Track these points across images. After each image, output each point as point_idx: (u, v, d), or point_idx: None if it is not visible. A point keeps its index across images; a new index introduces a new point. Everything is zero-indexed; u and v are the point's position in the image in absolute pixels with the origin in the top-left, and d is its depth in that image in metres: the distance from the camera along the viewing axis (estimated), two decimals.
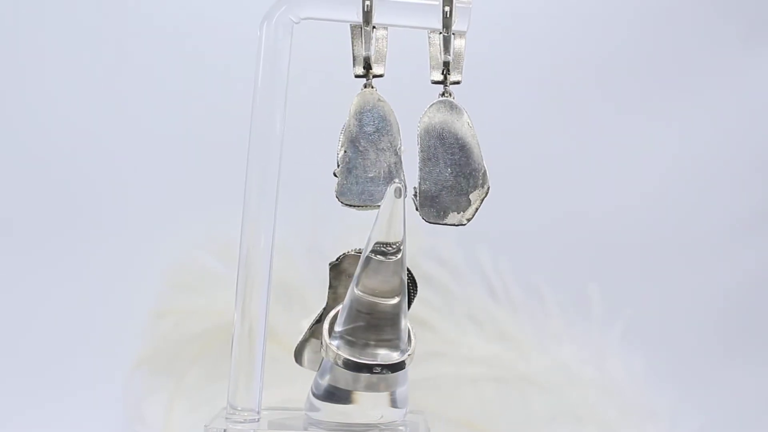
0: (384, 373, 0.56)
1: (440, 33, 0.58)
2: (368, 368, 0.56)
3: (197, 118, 0.95)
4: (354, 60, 0.58)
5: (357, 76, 0.58)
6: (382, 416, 0.58)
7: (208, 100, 0.95)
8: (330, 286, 0.60)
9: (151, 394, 0.91)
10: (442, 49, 0.58)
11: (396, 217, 0.55)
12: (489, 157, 0.59)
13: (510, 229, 0.95)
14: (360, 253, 0.58)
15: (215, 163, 0.95)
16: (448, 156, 0.58)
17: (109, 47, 0.95)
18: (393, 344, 0.57)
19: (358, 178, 0.57)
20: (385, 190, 0.56)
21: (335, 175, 0.57)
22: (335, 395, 0.57)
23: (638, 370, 0.95)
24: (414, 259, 0.88)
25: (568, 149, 0.99)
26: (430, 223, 0.58)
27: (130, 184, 0.95)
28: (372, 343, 0.57)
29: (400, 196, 0.55)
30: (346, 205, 0.58)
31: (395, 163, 0.57)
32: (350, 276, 0.58)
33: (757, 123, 1.01)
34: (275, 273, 0.92)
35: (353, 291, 0.57)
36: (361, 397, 0.57)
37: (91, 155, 0.94)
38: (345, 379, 0.56)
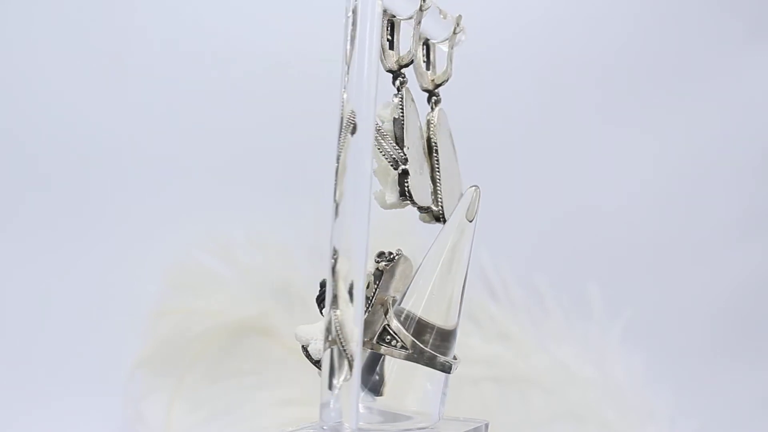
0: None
1: (445, 46, 0.59)
2: (450, 368, 0.56)
3: (197, 118, 0.95)
4: (384, 54, 0.55)
5: (389, 71, 0.55)
6: (439, 418, 0.57)
7: (208, 100, 0.95)
8: (371, 286, 0.57)
9: (151, 394, 0.91)
10: (449, 60, 0.59)
11: (467, 234, 0.54)
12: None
13: (510, 229, 0.95)
14: (400, 254, 0.57)
15: (215, 164, 0.95)
16: (449, 160, 0.58)
17: (114, 46, 0.95)
18: (450, 349, 0.57)
19: (418, 178, 0.55)
20: (428, 188, 0.55)
21: (406, 173, 0.53)
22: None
23: (638, 370, 0.95)
24: (414, 258, 0.88)
25: (568, 151, 0.99)
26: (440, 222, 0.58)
27: (130, 184, 0.95)
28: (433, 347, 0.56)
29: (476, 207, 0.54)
30: (415, 205, 0.54)
31: (427, 163, 0.57)
32: (391, 277, 0.57)
33: (758, 124, 1.01)
34: (276, 273, 0.91)
35: (403, 304, 0.55)
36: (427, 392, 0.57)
37: (91, 155, 0.94)
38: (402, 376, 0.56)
